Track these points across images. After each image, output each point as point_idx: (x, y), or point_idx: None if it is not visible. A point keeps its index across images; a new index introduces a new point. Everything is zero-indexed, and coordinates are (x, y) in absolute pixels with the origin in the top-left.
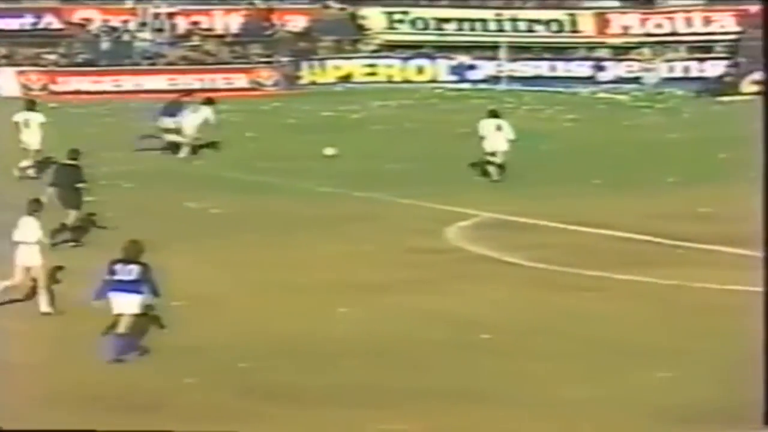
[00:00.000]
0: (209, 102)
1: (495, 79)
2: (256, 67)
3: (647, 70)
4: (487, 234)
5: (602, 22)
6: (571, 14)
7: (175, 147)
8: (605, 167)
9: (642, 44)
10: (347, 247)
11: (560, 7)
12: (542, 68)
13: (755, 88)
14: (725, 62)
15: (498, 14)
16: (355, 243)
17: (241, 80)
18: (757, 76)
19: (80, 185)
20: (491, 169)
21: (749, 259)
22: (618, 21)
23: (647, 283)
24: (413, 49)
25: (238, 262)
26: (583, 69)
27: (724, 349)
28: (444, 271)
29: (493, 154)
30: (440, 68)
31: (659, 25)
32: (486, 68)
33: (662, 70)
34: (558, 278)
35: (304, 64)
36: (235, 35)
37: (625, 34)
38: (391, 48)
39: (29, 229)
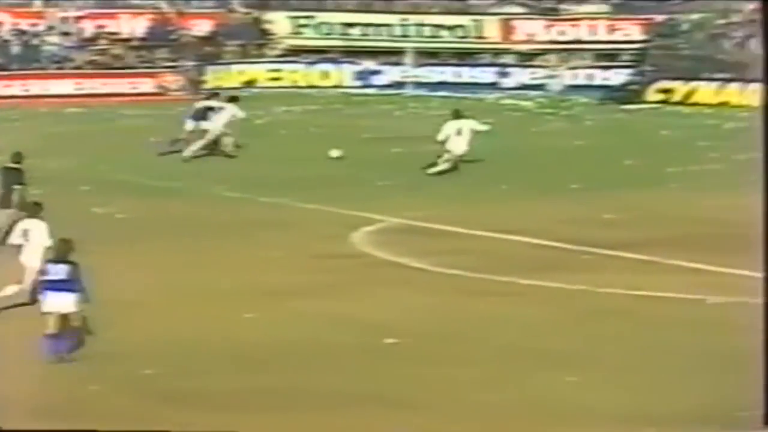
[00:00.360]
0: (233, 99)
1: (400, 85)
2: (162, 71)
3: (552, 77)
4: (394, 239)
5: (507, 28)
6: (477, 20)
7: (213, 145)
8: (512, 173)
9: (547, 51)
10: (254, 251)
11: (466, 13)
12: (447, 74)
13: (660, 97)
14: (630, 70)
15: (403, 19)
16: (262, 248)
17: (147, 85)
18: (662, 84)
19: (18, 187)
20: (445, 166)
21: (651, 264)
22: (523, 28)
23: (555, 288)
24: (319, 54)
25: (145, 267)
26: (488, 75)
27: (629, 353)
28: (350, 276)
29: (451, 154)
30: (345, 73)
31: (564, 33)
32: (391, 73)
33: (567, 77)
34: (466, 283)
35: (209, 69)
36: (142, 39)
37: (530, 41)
38: (296, 53)
39: (37, 232)
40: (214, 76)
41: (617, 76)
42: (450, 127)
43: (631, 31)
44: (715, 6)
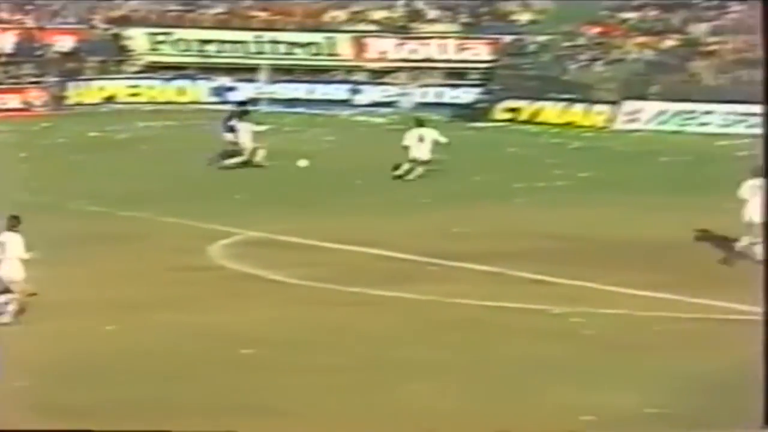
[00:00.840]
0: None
1: (255, 101)
2: (28, 87)
3: (403, 94)
4: (249, 252)
5: (359, 46)
6: (330, 37)
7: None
8: (364, 187)
9: (398, 69)
10: (114, 265)
11: (319, 30)
12: (301, 90)
13: (507, 115)
14: (478, 89)
15: (258, 36)
16: (121, 261)
17: (14, 101)
18: (510, 103)
19: None
20: (413, 173)
21: (498, 275)
22: (375, 45)
23: (405, 298)
24: (177, 71)
25: None
26: (340, 92)
27: (477, 361)
28: (207, 288)
29: (414, 161)
30: (201, 89)
31: (414, 51)
32: (246, 90)
33: (417, 94)
34: (319, 294)
35: (71, 85)
36: (9, 55)
37: (381, 59)
38: (154, 69)
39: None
40: (76, 92)
41: (466, 95)
42: (412, 135)
43: (480, 50)
44: (561, 28)
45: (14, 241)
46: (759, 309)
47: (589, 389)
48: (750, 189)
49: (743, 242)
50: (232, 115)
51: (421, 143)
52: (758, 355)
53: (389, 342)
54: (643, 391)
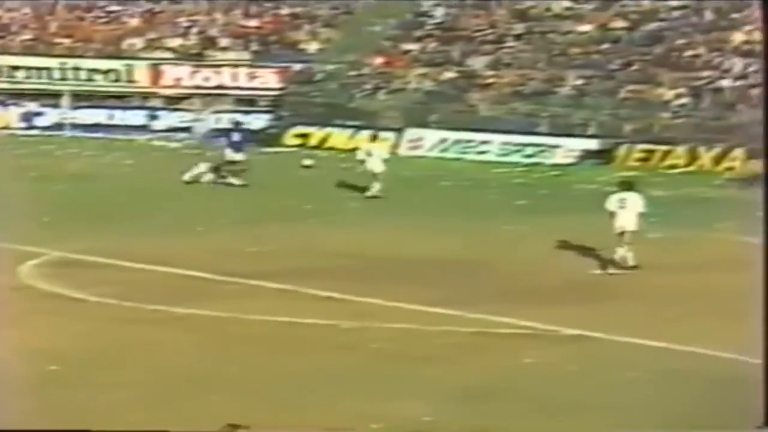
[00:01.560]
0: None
1: (60, 126)
2: None
3: (197, 120)
4: (57, 272)
5: (156, 73)
6: (128, 65)
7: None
8: (163, 210)
9: (192, 95)
10: None
11: (119, 57)
12: (102, 116)
13: (297, 141)
14: (269, 116)
15: (62, 63)
16: None
17: None
18: (299, 129)
19: None
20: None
21: (291, 293)
22: (170, 73)
23: (205, 315)
24: None
25: None
26: (138, 118)
27: (275, 375)
28: (15, 307)
29: (375, 175)
30: (12, 115)
31: (208, 78)
32: (51, 115)
33: (211, 120)
34: (123, 312)
35: None
36: None
37: (177, 86)
38: None
39: None
40: None
41: (258, 121)
42: (364, 150)
43: (269, 78)
44: (347, 57)
45: None
46: (536, 324)
47: (377, 399)
48: (618, 201)
49: (618, 253)
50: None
51: (370, 157)
52: (532, 365)
53: (187, 357)
54: (425, 400)
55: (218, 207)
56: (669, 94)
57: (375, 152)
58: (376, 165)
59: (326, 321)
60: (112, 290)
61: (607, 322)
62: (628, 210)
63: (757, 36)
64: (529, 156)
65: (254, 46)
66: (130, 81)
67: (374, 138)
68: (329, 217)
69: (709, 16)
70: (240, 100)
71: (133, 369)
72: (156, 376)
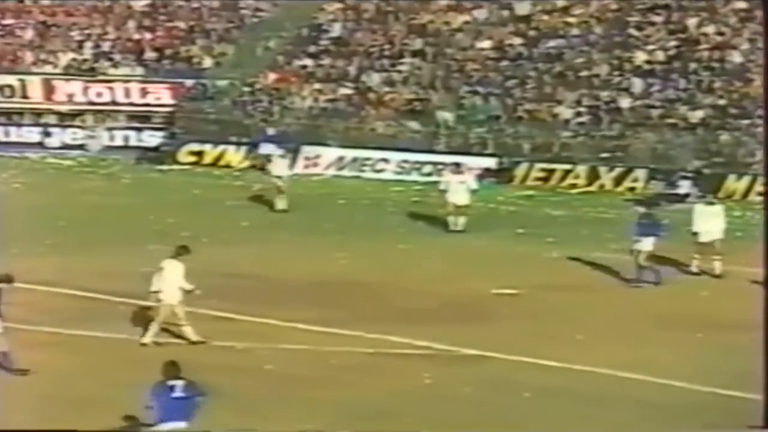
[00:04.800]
0: None
1: None
2: None
3: (91, 137)
4: None
5: (49, 88)
6: (21, 80)
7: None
8: (55, 229)
9: (85, 112)
10: None
11: (12, 72)
12: None
13: (191, 158)
14: (162, 133)
15: None
16: None
17: None
18: (192, 146)
19: None
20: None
21: (188, 314)
22: (63, 88)
23: (98, 337)
24: None
25: None
26: (33, 135)
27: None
28: None
29: (458, 208)
30: None
31: (100, 95)
32: None
33: (104, 137)
34: (16, 335)
35: None
36: None
37: (69, 102)
38: None
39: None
40: None
41: (151, 138)
42: (445, 180)
43: (163, 94)
44: (240, 74)
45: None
46: (434, 344)
47: (272, 421)
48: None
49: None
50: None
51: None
52: (431, 386)
53: (74, 380)
54: (320, 423)
55: (111, 225)
56: (568, 112)
57: (458, 182)
58: (460, 197)
59: (221, 342)
60: (6, 312)
61: (502, 341)
62: None
63: (660, 56)
64: (427, 174)
65: (147, 61)
66: (24, 97)
67: (458, 169)
68: (222, 236)
69: (608, 33)
70: (133, 117)
71: (21, 394)
72: (47, 400)
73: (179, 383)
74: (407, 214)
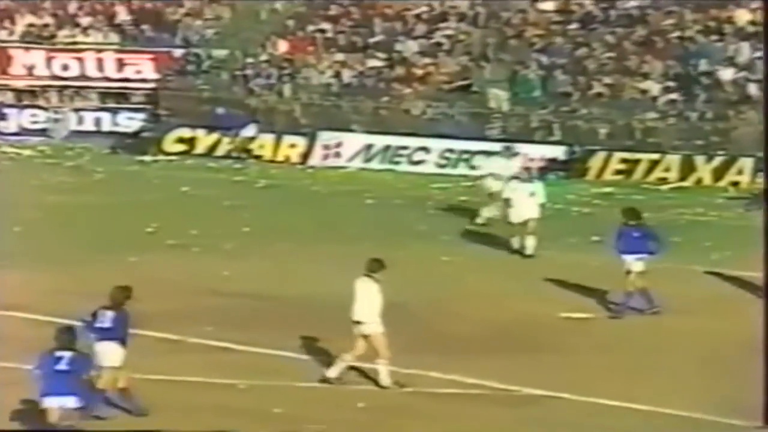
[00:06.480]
0: None
1: None
2: None
3: (55, 120)
4: None
5: (5, 59)
6: None
7: None
8: (10, 236)
9: (47, 88)
10: None
11: None
12: None
13: (181, 147)
14: (143, 115)
15: None
16: None
17: None
18: (182, 132)
19: None
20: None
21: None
22: (20, 59)
23: None
24: None
25: None
26: None
27: None
28: None
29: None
30: None
31: (66, 67)
32: None
33: (72, 120)
34: None
35: None
36: None
37: (28, 76)
38: None
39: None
40: None
41: (130, 121)
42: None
43: (144, 67)
44: (241, 41)
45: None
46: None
47: None
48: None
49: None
50: None
51: None
52: None
53: None
54: None
55: (81, 232)
56: (655, 88)
57: (523, 191)
58: (526, 210)
59: (219, 379)
60: None
61: (573, 377)
62: None
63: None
64: (477, 167)
65: (124, 26)
66: None
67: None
68: (219, 245)
69: None
70: (107, 95)
71: None
72: None
73: (67, 355)
74: (452, 217)
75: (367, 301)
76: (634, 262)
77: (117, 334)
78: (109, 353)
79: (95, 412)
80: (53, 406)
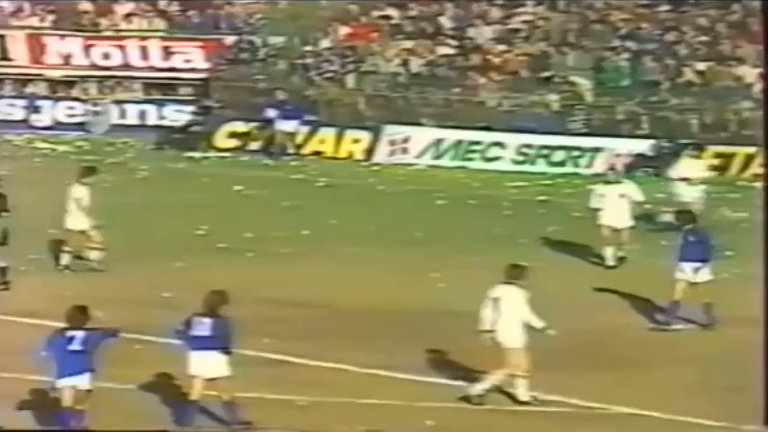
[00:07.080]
0: None
1: None
2: None
3: (94, 113)
4: None
5: (38, 47)
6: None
7: None
8: (44, 239)
9: (86, 79)
10: None
11: None
12: None
13: (233, 142)
14: (192, 107)
15: None
16: None
17: None
18: (235, 126)
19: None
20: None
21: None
22: (56, 47)
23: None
24: None
25: None
26: (15, 109)
27: None
28: None
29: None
30: None
31: (107, 56)
32: None
33: (113, 113)
34: None
35: None
36: None
37: (66, 65)
38: None
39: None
40: None
41: (177, 114)
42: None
43: (193, 55)
44: (299, 28)
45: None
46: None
47: None
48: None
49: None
50: None
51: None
52: None
53: None
54: None
55: (122, 235)
56: (751, 74)
57: (616, 195)
58: (619, 217)
59: (276, 395)
60: None
61: (663, 394)
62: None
63: None
64: (559, 164)
65: (171, 12)
66: (4, 59)
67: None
68: (275, 249)
69: None
70: (153, 86)
71: None
72: None
73: (79, 334)
74: (530, 219)
75: (512, 311)
76: (692, 272)
77: (218, 342)
78: (210, 363)
79: (191, 423)
80: (67, 386)
